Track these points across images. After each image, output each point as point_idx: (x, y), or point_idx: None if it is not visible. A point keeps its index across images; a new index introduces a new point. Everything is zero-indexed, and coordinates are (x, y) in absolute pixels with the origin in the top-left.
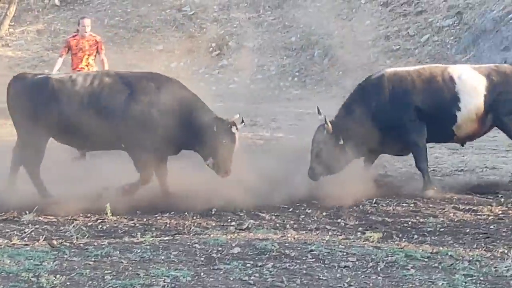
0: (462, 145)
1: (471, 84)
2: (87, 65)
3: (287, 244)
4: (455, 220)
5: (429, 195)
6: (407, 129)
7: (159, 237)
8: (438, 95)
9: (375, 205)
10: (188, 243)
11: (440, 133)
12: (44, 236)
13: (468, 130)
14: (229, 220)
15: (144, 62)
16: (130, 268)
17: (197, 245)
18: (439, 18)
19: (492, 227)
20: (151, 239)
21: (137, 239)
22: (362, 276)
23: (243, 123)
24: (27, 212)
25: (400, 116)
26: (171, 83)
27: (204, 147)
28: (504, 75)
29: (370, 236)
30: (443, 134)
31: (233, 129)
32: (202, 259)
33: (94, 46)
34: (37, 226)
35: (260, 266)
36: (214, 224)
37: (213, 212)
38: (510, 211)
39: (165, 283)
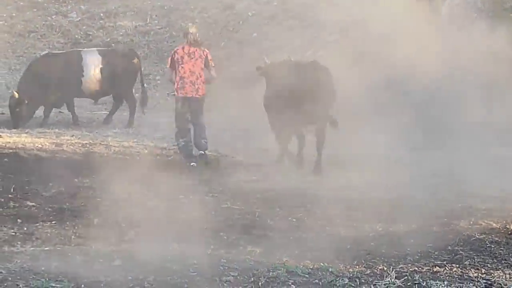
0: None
1: None
2: None
3: (169, 257)
4: (336, 236)
5: None
6: None
7: (40, 247)
8: None
9: (257, 218)
10: (69, 254)
11: None
12: None
13: None
14: (111, 231)
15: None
16: (10, 279)
17: (78, 257)
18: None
19: (372, 244)
20: (32, 249)
21: (17, 248)
22: None
23: None
24: None
25: None
26: None
27: None
28: None
29: (252, 251)
30: None
31: None
32: (83, 270)
33: None
34: None
35: (141, 279)
36: (95, 235)
37: (94, 223)
38: (391, 228)
39: None
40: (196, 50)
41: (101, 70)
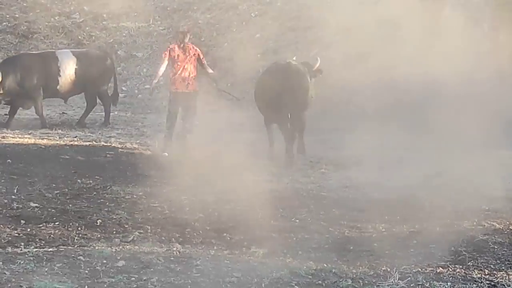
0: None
1: None
2: None
3: (172, 258)
4: (339, 237)
5: None
6: None
7: (43, 248)
8: None
9: (260, 219)
10: (73, 255)
11: None
12: None
13: None
14: (114, 232)
15: None
16: (13, 280)
17: (81, 257)
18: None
19: (375, 244)
20: (35, 250)
21: (21, 249)
22: None
23: None
24: None
25: None
26: None
27: None
28: None
29: (255, 252)
30: None
31: None
32: (87, 271)
33: None
34: None
35: (144, 280)
36: (99, 236)
37: (98, 224)
38: (394, 229)
39: None
40: (190, 48)
41: (76, 71)
